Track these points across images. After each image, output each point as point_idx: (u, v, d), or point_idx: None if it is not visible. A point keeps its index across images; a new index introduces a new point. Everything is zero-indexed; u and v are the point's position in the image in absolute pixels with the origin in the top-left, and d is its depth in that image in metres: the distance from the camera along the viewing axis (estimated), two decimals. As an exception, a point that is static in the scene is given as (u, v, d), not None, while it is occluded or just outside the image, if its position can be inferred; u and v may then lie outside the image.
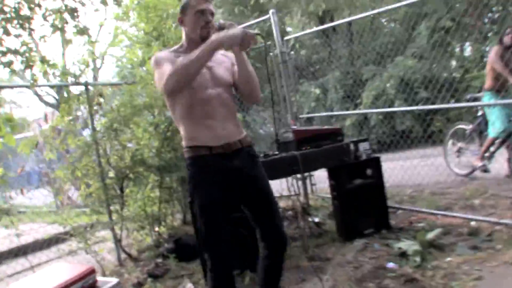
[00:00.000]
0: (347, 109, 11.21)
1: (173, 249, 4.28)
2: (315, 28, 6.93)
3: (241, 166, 2.45)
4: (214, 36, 2.30)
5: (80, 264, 3.85)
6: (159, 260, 4.29)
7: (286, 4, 12.85)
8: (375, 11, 5.64)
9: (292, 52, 5.96)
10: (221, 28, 2.42)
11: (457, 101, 7.53)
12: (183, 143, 2.46)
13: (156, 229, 4.69)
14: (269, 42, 5.89)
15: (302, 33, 6.79)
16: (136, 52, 5.00)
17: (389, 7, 5.17)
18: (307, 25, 13.56)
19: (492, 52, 5.73)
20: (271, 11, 5.79)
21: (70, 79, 4.25)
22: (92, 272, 3.24)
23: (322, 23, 13.86)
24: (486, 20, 10.61)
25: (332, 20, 14.19)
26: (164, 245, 4.41)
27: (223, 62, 2.59)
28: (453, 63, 11.53)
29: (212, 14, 2.50)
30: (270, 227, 2.58)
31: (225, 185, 2.39)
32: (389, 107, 10.28)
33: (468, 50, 11.18)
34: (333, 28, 12.31)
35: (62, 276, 3.11)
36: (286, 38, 6.13)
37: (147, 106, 4.45)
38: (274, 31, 5.73)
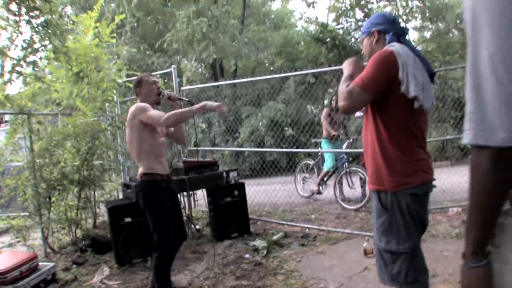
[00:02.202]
0: (227, 141, 12.48)
1: (89, 244, 5.16)
2: (207, 84, 8.13)
3: (173, 187, 3.69)
4: (201, 105, 3.33)
5: (25, 252, 4.72)
6: (78, 253, 5.15)
7: (183, 50, 14.00)
8: (256, 79, 7.10)
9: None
10: (168, 97, 3.64)
11: (315, 137, 9.18)
12: (141, 171, 3.47)
13: (74, 230, 5.49)
14: (169, 90, 7.05)
15: (196, 86, 7.96)
16: (67, 88, 5.87)
17: (265, 77, 6.65)
18: (200, 67, 14.74)
19: (324, 111, 7.48)
20: (172, 67, 6.84)
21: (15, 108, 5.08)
22: (35, 257, 4.21)
23: (212, 67, 15.20)
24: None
25: (221, 67, 15.58)
26: (82, 242, 5.25)
27: None
28: (314, 109, 13.35)
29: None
30: (181, 224, 3.75)
31: (168, 196, 3.56)
32: (261, 142, 11.75)
33: (326, 101, 13.02)
34: (221, 72, 13.65)
35: (13, 259, 4.03)
36: (182, 88, 7.23)
37: (73, 134, 5.34)
38: (173, 82, 6.77)
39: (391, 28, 2.37)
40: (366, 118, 2.40)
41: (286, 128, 11.82)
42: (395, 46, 2.22)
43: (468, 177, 1.13)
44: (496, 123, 1.02)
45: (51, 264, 4.38)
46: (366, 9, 14.87)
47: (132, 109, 3.46)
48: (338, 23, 15.70)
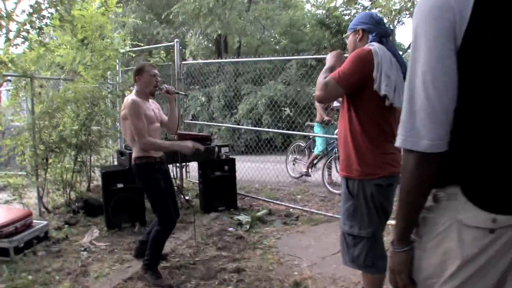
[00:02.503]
0: (225, 116, 12.60)
1: (82, 206, 5.38)
2: (208, 60, 8.20)
3: (166, 168, 3.89)
4: (178, 144, 3.70)
5: (21, 209, 4.93)
6: (71, 214, 5.37)
7: (189, 22, 13.93)
8: (258, 59, 7.17)
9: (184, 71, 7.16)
10: (166, 91, 3.76)
11: (311, 120, 9.30)
12: (135, 155, 3.63)
13: (68, 192, 5.70)
14: (170, 63, 7.19)
15: (197, 62, 8.06)
16: (71, 53, 5.94)
17: (267, 58, 6.73)
18: (204, 41, 14.75)
19: (317, 97, 7.59)
20: (175, 41, 6.93)
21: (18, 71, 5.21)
22: (30, 214, 4.42)
23: (217, 42, 15.19)
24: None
25: (225, 42, 15.56)
26: (75, 204, 5.46)
27: (158, 108, 3.88)
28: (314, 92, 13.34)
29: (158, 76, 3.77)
30: (175, 204, 3.93)
31: (163, 177, 3.74)
32: (258, 120, 11.88)
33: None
34: (225, 48, 13.65)
35: (9, 215, 4.24)
36: (183, 62, 7.28)
37: (74, 99, 5.51)
38: (175, 56, 6.87)
39: (375, 28, 2.51)
40: (343, 109, 2.57)
41: (284, 109, 11.91)
42: (374, 46, 2.38)
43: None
44: (421, 132, 1.18)
45: (44, 222, 4.60)
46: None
47: (127, 103, 3.55)
48: (347, 8, 15.66)
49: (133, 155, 3.68)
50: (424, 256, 1.31)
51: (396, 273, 1.36)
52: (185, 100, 7.32)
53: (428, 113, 1.17)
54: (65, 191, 5.67)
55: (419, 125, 1.18)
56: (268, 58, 10.16)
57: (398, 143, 1.24)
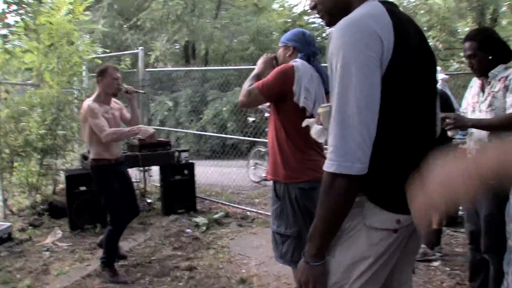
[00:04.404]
0: (192, 121, 12.76)
1: (47, 209, 5.54)
2: (172, 68, 8.31)
3: (122, 169, 4.06)
4: (134, 129, 3.74)
5: None
6: (35, 216, 5.51)
7: (157, 28, 14.12)
8: (223, 68, 7.35)
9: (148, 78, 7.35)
10: (126, 91, 3.94)
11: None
12: (91, 156, 3.82)
13: (33, 194, 5.85)
14: (135, 70, 7.37)
15: (161, 69, 8.26)
16: (37, 60, 6.08)
17: (233, 67, 6.97)
18: (172, 48, 14.90)
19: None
20: (139, 48, 7.13)
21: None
22: (-8, 216, 4.56)
23: (185, 48, 15.34)
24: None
25: (193, 48, 15.73)
26: (40, 206, 5.60)
27: (118, 109, 4.02)
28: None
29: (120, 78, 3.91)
30: (134, 202, 4.16)
31: (118, 178, 3.93)
32: (223, 125, 12.09)
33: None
34: (193, 54, 13.79)
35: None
36: (147, 70, 7.49)
37: (40, 105, 5.67)
38: (139, 63, 7.06)
39: (304, 48, 2.73)
40: (271, 117, 2.82)
41: (249, 115, 12.12)
42: (297, 62, 2.62)
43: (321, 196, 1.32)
44: (356, 155, 1.22)
45: (8, 224, 4.77)
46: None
47: (84, 107, 3.72)
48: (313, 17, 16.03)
49: (90, 157, 3.88)
50: (333, 261, 1.39)
51: (311, 285, 1.38)
52: (149, 103, 7.45)
53: (363, 138, 1.22)
54: (31, 194, 5.81)
55: (353, 149, 1.22)
56: (234, 67, 10.40)
57: (331, 169, 1.26)
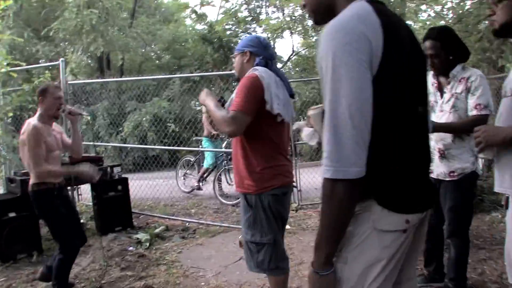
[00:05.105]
0: (111, 135, 12.29)
1: None
2: (94, 80, 8.01)
3: (66, 193, 3.84)
4: (77, 168, 3.65)
5: None
6: None
7: (71, 39, 13.42)
8: (141, 78, 7.14)
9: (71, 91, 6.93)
10: (69, 113, 3.71)
11: (196, 135, 9.50)
12: (32, 181, 3.50)
13: None
14: (56, 82, 6.86)
15: (83, 81, 7.89)
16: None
17: (150, 77, 6.78)
18: (86, 59, 14.21)
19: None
20: (60, 60, 6.69)
21: None
22: None
23: (99, 60, 14.72)
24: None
25: (108, 59, 15.17)
26: None
27: (59, 132, 3.75)
28: (197, 106, 13.59)
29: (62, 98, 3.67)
30: (79, 229, 3.92)
31: (63, 202, 3.66)
32: (144, 137, 11.78)
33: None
34: (108, 65, 13.28)
35: None
36: (70, 82, 7.12)
37: None
38: (60, 75, 6.65)
39: (262, 52, 2.72)
40: None
41: (169, 124, 11.95)
42: (258, 70, 2.59)
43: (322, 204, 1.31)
44: (351, 159, 1.22)
45: None
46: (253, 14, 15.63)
47: (29, 128, 3.44)
48: (228, 23, 16.17)
49: (31, 182, 3.57)
50: (346, 268, 1.38)
51: None
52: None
53: (357, 141, 1.22)
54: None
55: (348, 153, 1.22)
56: (152, 77, 10.18)
57: (328, 175, 1.25)
